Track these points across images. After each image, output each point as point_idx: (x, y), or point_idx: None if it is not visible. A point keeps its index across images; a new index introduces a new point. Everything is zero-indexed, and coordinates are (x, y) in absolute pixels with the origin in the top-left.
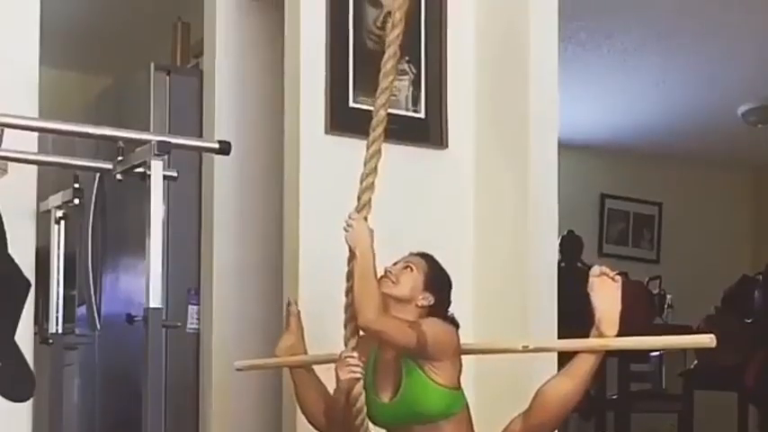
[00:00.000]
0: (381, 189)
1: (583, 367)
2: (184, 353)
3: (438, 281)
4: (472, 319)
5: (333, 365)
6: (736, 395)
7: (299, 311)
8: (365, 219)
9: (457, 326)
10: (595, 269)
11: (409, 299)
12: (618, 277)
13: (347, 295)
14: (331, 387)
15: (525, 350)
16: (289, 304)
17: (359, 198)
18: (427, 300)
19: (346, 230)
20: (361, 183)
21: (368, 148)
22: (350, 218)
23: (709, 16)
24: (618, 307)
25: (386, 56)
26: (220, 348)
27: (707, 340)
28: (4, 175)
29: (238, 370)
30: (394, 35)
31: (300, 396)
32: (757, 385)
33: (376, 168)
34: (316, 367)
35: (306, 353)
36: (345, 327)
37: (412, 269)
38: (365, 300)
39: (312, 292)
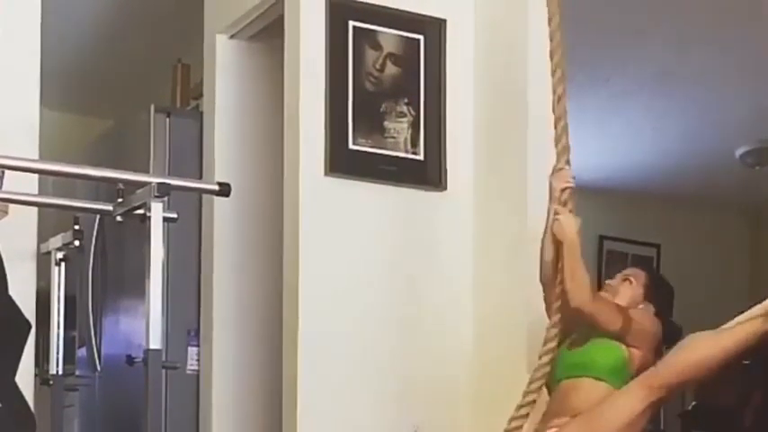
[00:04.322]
0: (381, 230)
1: (747, 329)
2: (184, 394)
3: (658, 291)
4: (471, 358)
5: None
6: None
7: None
8: (570, 211)
9: (678, 331)
10: None
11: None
12: None
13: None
14: None
15: None
16: None
17: (558, 154)
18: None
19: (554, 224)
20: (557, 143)
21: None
22: (556, 212)
23: (707, 59)
24: None
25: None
26: (220, 390)
27: None
28: (4, 217)
29: None
30: (555, 42)
31: None
32: (755, 426)
33: (566, 112)
34: None
35: None
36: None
37: (631, 281)
38: (577, 285)
39: (312, 333)
